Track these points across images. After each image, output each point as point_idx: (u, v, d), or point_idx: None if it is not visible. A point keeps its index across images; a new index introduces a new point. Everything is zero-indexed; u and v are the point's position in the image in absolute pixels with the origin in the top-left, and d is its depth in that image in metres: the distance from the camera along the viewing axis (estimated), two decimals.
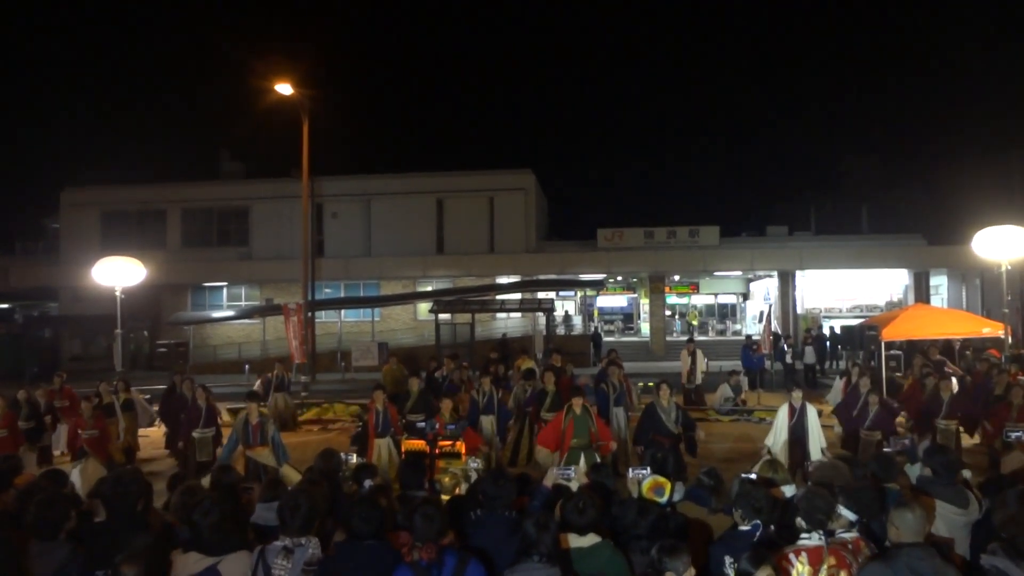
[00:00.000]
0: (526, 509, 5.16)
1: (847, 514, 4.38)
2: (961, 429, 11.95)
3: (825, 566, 4.06)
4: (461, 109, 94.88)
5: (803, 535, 4.20)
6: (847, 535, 4.30)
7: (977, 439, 12.52)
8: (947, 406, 11.71)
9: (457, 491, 8.04)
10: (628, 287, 39.14)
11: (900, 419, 11.65)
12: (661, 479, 5.39)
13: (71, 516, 4.49)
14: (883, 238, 33.49)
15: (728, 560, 4.39)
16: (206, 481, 6.13)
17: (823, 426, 15.10)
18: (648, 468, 5.71)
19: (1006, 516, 4.16)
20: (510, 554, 4.14)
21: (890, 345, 18.11)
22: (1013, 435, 8.44)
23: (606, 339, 33.23)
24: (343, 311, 33.71)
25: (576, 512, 4.32)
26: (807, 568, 4.06)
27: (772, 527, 4.58)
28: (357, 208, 34.93)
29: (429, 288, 34.21)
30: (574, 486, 5.52)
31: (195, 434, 11.64)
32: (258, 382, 17.17)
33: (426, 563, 3.90)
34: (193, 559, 4.16)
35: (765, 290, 35.97)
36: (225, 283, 35.61)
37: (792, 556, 4.11)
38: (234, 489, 6.07)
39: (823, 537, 4.15)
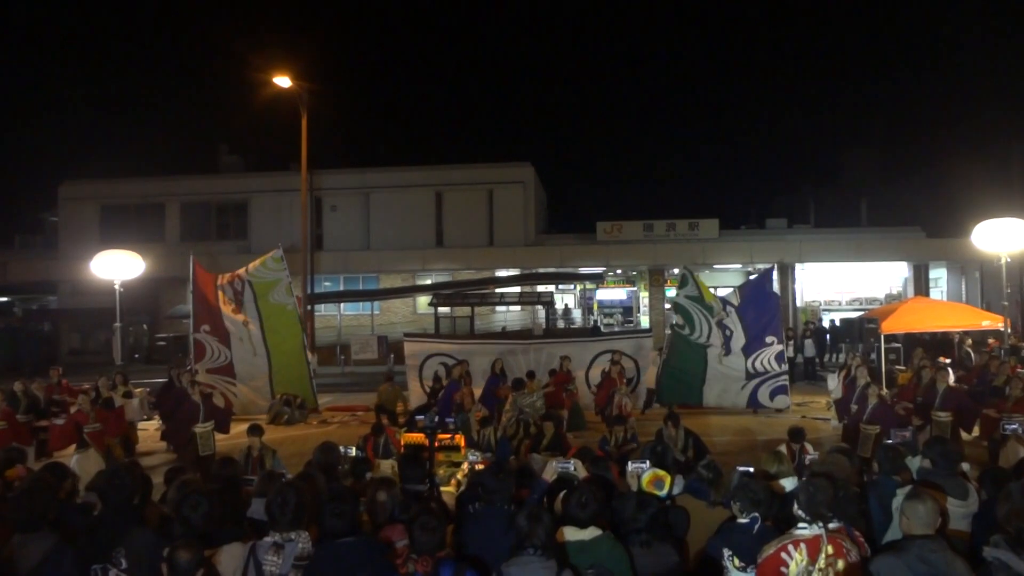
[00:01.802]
0: (525, 502, 5.16)
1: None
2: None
3: (823, 556, 4.06)
4: (460, 102, 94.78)
5: (800, 525, 4.20)
6: (833, 524, 4.31)
7: (976, 432, 12.54)
8: (941, 397, 11.74)
9: (453, 483, 8.04)
10: (628, 280, 39.13)
11: (900, 412, 11.63)
12: (660, 472, 5.39)
13: (53, 507, 4.48)
14: (882, 231, 33.44)
15: (727, 552, 4.40)
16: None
17: (822, 419, 15.31)
18: (647, 462, 5.70)
19: (1010, 509, 4.16)
20: (508, 547, 4.13)
21: (890, 338, 18.12)
22: (1009, 427, 8.44)
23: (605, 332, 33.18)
24: (342, 304, 33.68)
25: (578, 506, 4.32)
26: (805, 558, 4.06)
27: (770, 521, 4.58)
28: (356, 201, 34.87)
29: (428, 281, 34.20)
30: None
31: (196, 428, 11.64)
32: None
33: (421, 575, 3.88)
34: None
35: None
36: None
37: (790, 546, 4.11)
38: (235, 482, 6.08)
39: (821, 527, 4.15)
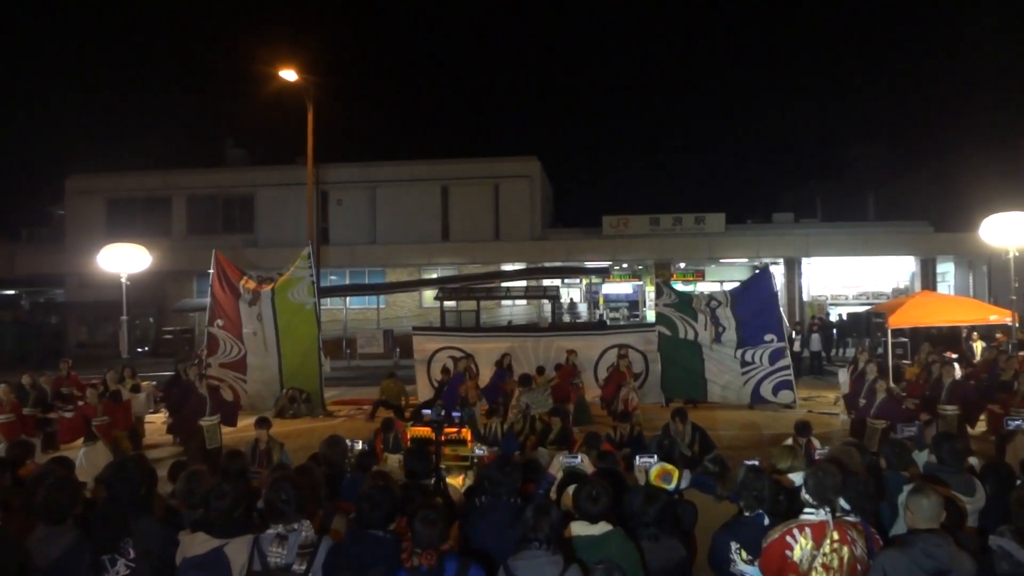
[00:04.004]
0: (531, 496, 5.16)
1: (841, 502, 4.39)
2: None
3: (828, 541, 4.06)
4: (466, 96, 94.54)
5: (807, 510, 4.20)
6: (850, 518, 4.30)
7: (983, 427, 12.53)
8: (947, 391, 11.71)
9: (461, 478, 8.03)
10: (634, 274, 39.10)
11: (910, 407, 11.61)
12: (668, 466, 5.39)
13: (79, 501, 4.50)
14: (889, 225, 33.34)
15: (734, 546, 4.40)
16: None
17: (830, 414, 15.27)
18: (655, 456, 5.70)
19: (1016, 498, 4.19)
20: (513, 541, 4.13)
21: (897, 333, 18.05)
22: (1013, 424, 8.41)
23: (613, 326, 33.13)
24: (348, 298, 33.73)
25: (589, 500, 4.31)
26: (810, 543, 4.06)
27: (779, 516, 4.57)
28: (362, 195, 34.89)
29: (434, 275, 34.20)
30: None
31: (202, 422, 11.66)
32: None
33: (426, 569, 3.88)
34: (200, 539, 4.21)
35: None
36: None
37: (796, 531, 4.12)
38: (244, 474, 6.10)
39: (828, 513, 4.15)
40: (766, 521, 4.44)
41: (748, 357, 16.26)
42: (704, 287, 39.63)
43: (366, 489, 4.37)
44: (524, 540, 3.92)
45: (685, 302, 16.93)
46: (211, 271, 17.16)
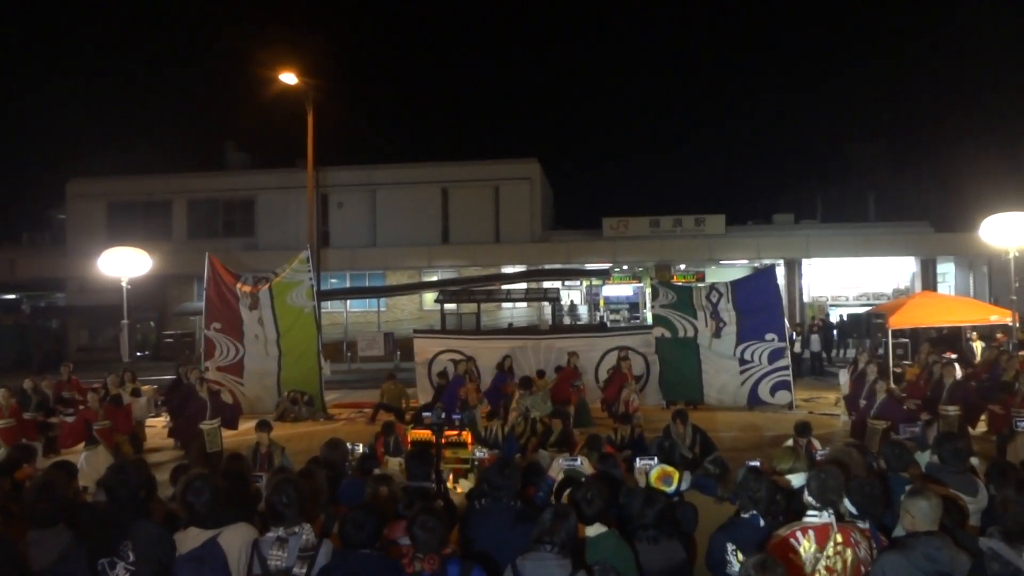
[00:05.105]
0: (532, 499, 5.16)
1: (847, 506, 4.38)
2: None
3: (831, 544, 4.06)
4: (466, 98, 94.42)
5: (810, 512, 4.20)
6: (859, 523, 4.29)
7: (984, 427, 12.53)
8: (948, 392, 11.72)
9: (451, 477, 8.03)
10: (634, 276, 39.13)
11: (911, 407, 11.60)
12: (669, 468, 5.38)
13: (64, 504, 4.49)
14: (890, 225, 33.31)
15: (730, 547, 4.39)
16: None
17: (830, 415, 15.25)
18: (656, 458, 5.69)
19: (1001, 499, 4.20)
20: (514, 543, 4.12)
21: (897, 333, 18.04)
22: (1021, 424, 8.42)
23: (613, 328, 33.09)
24: (349, 301, 33.73)
25: (584, 502, 4.31)
26: (813, 546, 4.06)
27: (780, 516, 4.56)
28: (363, 198, 34.90)
29: (435, 278, 34.22)
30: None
31: (203, 426, 11.66)
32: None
33: (428, 574, 3.88)
34: (192, 534, 4.23)
35: None
36: None
37: (799, 533, 4.12)
38: (244, 477, 6.10)
39: (832, 515, 4.14)
40: (761, 522, 4.44)
41: (747, 356, 16.19)
42: None
43: (349, 512, 4.35)
44: (537, 542, 3.92)
45: (684, 299, 16.77)
46: (205, 273, 17.12)
